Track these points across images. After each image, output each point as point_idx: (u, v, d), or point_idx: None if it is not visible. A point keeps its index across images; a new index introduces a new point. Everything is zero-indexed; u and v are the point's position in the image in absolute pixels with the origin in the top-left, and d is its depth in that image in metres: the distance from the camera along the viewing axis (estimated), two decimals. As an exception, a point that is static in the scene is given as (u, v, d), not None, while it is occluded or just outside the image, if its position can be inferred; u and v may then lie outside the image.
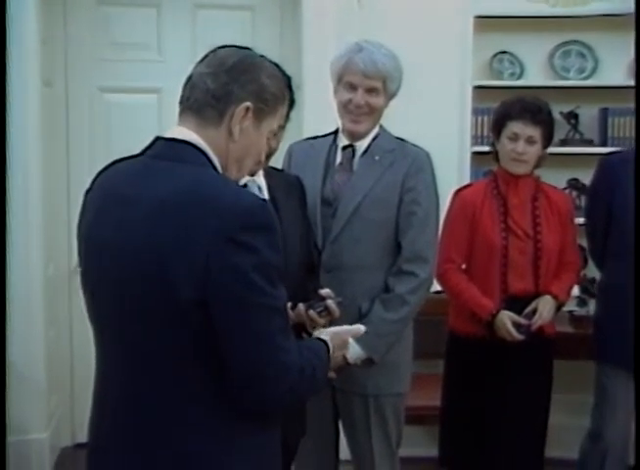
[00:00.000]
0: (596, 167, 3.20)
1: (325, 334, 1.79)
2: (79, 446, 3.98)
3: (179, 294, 1.46)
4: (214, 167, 1.60)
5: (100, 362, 1.67)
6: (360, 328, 1.91)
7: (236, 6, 4.06)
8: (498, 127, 2.97)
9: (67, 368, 4.11)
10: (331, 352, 1.73)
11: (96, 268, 1.62)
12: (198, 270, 1.45)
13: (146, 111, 3.96)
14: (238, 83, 1.60)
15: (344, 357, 2.41)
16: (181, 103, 1.65)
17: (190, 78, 1.64)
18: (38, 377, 3.83)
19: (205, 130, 1.60)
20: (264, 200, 1.59)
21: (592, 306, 3.78)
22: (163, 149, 1.60)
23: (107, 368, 1.65)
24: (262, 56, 1.74)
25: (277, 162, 2.63)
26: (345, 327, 1.89)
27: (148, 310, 1.51)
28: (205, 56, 1.67)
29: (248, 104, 1.60)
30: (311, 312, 2.13)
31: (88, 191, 1.71)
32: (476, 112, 3.98)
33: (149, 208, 1.51)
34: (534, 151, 2.93)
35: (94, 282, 1.64)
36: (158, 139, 1.63)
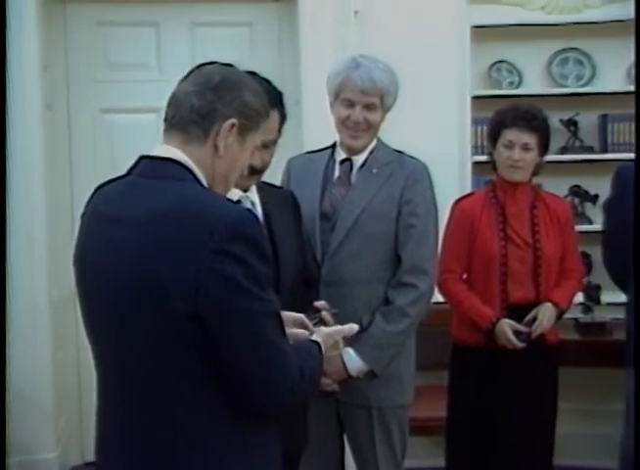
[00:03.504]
0: (614, 179, 3.09)
1: (317, 335, 1.80)
2: (89, 464, 3.99)
3: (173, 309, 1.48)
4: (200, 183, 1.62)
5: (100, 382, 1.68)
6: (353, 327, 1.89)
7: (234, 22, 4.09)
8: (494, 136, 2.99)
9: (74, 389, 4.12)
10: (323, 352, 1.74)
11: (89, 289, 1.65)
12: (189, 284, 1.47)
13: (147, 130, 3.97)
14: (223, 101, 1.62)
15: (345, 369, 2.44)
16: (166, 120, 1.67)
17: (174, 96, 1.66)
18: (46, 398, 3.85)
19: (190, 147, 1.62)
20: (250, 210, 1.63)
21: (597, 313, 3.79)
22: (148, 167, 1.63)
23: (107, 387, 1.66)
24: (250, 72, 1.76)
25: (276, 176, 2.64)
26: (338, 327, 1.89)
27: (143, 327, 1.53)
28: (190, 73, 1.70)
29: (233, 120, 1.62)
30: (306, 324, 2.13)
31: (83, 214, 1.73)
32: (475, 121, 3.99)
33: (136, 225, 1.54)
34: (530, 158, 2.94)
35: (89, 303, 1.66)
36: (142, 158, 1.65)
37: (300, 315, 1.91)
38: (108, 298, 1.58)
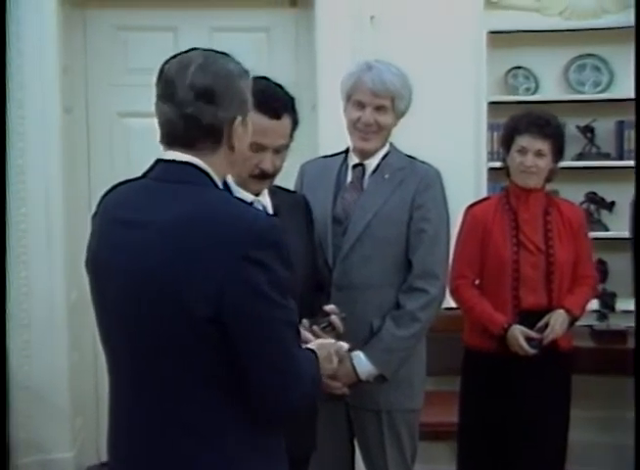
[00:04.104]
0: None
1: (312, 344, 1.81)
2: (104, 464, 4.00)
3: (194, 312, 1.50)
4: (216, 186, 1.63)
5: (113, 382, 1.70)
6: (343, 346, 1.90)
7: (251, 28, 4.12)
8: (507, 142, 2.98)
9: (91, 390, 4.15)
10: (320, 362, 1.74)
11: (104, 291, 1.65)
12: (213, 289, 1.49)
13: (165, 135, 4.01)
14: (223, 106, 1.60)
15: (355, 372, 2.45)
16: (165, 140, 1.63)
17: (168, 120, 1.61)
18: (63, 399, 3.90)
19: (203, 157, 1.61)
20: (274, 218, 1.63)
21: (612, 321, 3.77)
22: (165, 171, 1.62)
23: (119, 387, 1.67)
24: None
25: (290, 181, 2.66)
26: (330, 341, 1.90)
27: (159, 329, 1.54)
28: (166, 80, 1.62)
29: (239, 117, 1.63)
30: (315, 328, 2.15)
31: (94, 215, 1.73)
32: (491, 127, 3.98)
33: (157, 230, 1.54)
34: (544, 164, 2.93)
35: (103, 304, 1.67)
36: (158, 161, 1.65)
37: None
38: (124, 299, 1.59)
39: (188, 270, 1.50)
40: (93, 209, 4.30)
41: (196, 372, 1.55)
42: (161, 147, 1.65)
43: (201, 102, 1.58)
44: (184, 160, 1.61)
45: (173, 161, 1.62)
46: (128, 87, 4.06)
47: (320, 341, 1.88)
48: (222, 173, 1.66)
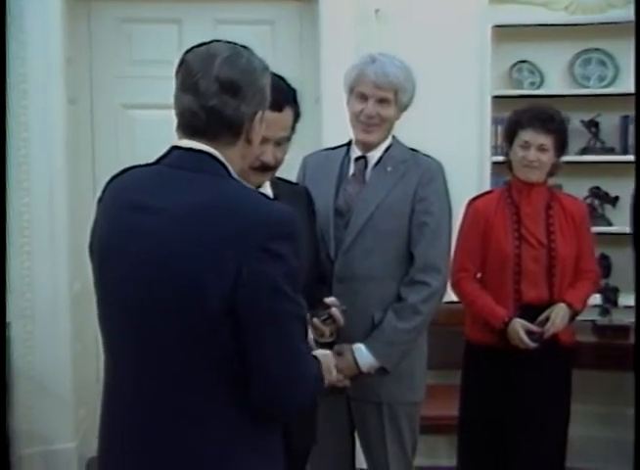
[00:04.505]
0: None
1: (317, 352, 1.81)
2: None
3: (209, 303, 1.49)
4: (231, 177, 1.62)
5: (111, 372, 1.68)
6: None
7: (256, 21, 4.11)
8: (510, 136, 2.98)
9: (93, 381, 4.15)
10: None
11: (113, 277, 1.62)
12: (228, 279, 1.48)
13: (169, 126, 3.99)
14: (246, 101, 1.61)
15: (356, 364, 2.45)
16: (183, 129, 1.63)
17: (189, 109, 1.60)
18: (66, 390, 3.90)
19: (221, 148, 1.61)
20: (291, 209, 1.60)
21: (615, 316, 3.77)
22: (181, 158, 1.61)
23: (119, 377, 1.66)
24: (244, 48, 1.70)
25: (291, 174, 2.66)
26: (328, 353, 1.88)
27: (169, 319, 1.53)
28: (190, 70, 1.60)
29: (259, 113, 1.64)
30: (315, 320, 2.15)
31: (100, 200, 1.71)
32: (495, 121, 3.97)
33: (172, 217, 1.53)
34: (546, 158, 2.93)
35: (110, 291, 1.64)
36: (174, 148, 1.64)
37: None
38: (131, 287, 1.57)
39: (203, 261, 1.49)
40: (97, 199, 4.29)
41: (205, 364, 1.54)
42: (177, 135, 1.64)
43: (225, 95, 1.58)
44: (201, 148, 1.60)
45: (190, 149, 1.61)
46: (133, 79, 4.07)
47: (320, 352, 1.85)
48: (237, 166, 1.65)
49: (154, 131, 4.04)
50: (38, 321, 3.82)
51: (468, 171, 3.82)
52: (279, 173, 2.27)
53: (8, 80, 3.67)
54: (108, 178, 1.72)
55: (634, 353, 2.89)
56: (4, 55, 3.61)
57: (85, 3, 4.05)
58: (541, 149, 2.91)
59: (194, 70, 1.60)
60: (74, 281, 3.97)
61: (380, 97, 2.56)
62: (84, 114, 4.09)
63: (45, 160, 3.75)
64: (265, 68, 1.67)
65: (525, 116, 2.93)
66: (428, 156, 2.66)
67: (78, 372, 3.99)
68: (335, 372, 1.88)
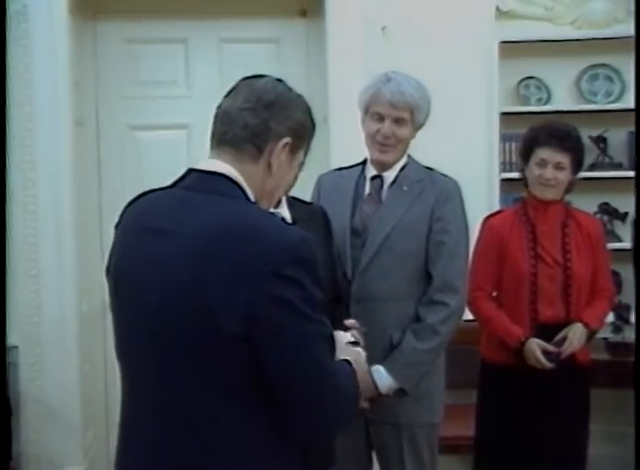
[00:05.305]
0: None
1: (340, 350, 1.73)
2: (115, 480, 3.99)
3: (222, 328, 1.46)
4: (248, 200, 1.61)
5: (128, 396, 1.65)
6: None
7: (261, 39, 4.11)
8: (526, 153, 2.96)
9: (101, 403, 4.13)
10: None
11: (129, 302, 1.61)
12: (242, 304, 1.45)
13: (175, 147, 4.01)
14: (276, 120, 1.62)
15: (375, 386, 2.41)
16: (215, 137, 1.65)
17: (225, 113, 1.64)
18: (73, 412, 3.86)
19: (242, 165, 1.61)
20: (307, 234, 1.59)
21: (627, 333, 3.74)
22: (198, 181, 1.61)
23: (137, 402, 1.63)
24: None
25: (306, 193, 2.64)
26: (364, 357, 1.83)
27: (185, 343, 1.50)
28: (236, 87, 1.67)
29: (287, 139, 1.63)
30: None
31: (117, 225, 1.70)
32: (504, 138, 3.97)
33: (190, 241, 1.51)
34: (563, 177, 2.91)
35: (127, 316, 1.62)
36: (191, 171, 1.64)
37: (347, 334, 1.87)
38: (148, 312, 1.55)
39: (217, 285, 1.47)
40: (103, 221, 4.30)
41: (219, 389, 1.51)
42: (209, 145, 1.66)
43: (259, 104, 1.61)
44: (217, 170, 1.60)
45: (206, 171, 1.61)
46: (139, 99, 4.06)
47: (354, 351, 1.78)
48: (256, 189, 1.63)
49: (160, 152, 4.03)
50: (45, 345, 3.79)
51: (477, 188, 3.79)
52: (292, 193, 2.25)
53: (12, 101, 3.65)
54: (114, 200, 1.70)
55: (634, 371, 2.86)
56: (4, 74, 3.59)
57: (91, 23, 4.04)
58: (558, 167, 2.89)
59: (239, 85, 1.67)
60: (82, 302, 3.94)
61: (396, 117, 2.55)
62: (91, 135, 4.07)
63: (51, 182, 3.73)
64: (308, 110, 1.70)
65: (542, 133, 2.90)
66: (444, 175, 2.65)
67: (86, 395, 3.96)
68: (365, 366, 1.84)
